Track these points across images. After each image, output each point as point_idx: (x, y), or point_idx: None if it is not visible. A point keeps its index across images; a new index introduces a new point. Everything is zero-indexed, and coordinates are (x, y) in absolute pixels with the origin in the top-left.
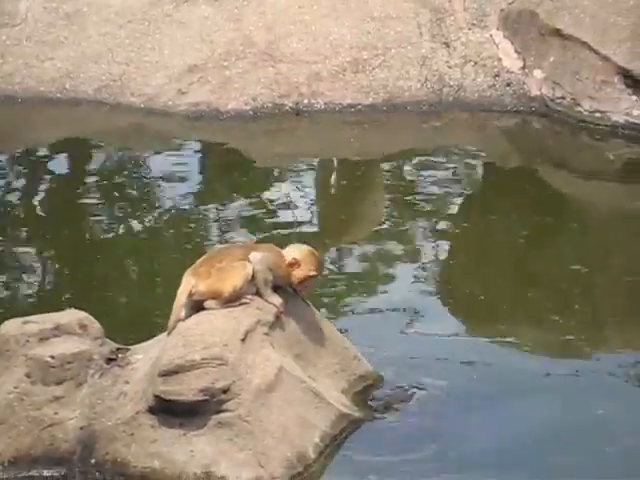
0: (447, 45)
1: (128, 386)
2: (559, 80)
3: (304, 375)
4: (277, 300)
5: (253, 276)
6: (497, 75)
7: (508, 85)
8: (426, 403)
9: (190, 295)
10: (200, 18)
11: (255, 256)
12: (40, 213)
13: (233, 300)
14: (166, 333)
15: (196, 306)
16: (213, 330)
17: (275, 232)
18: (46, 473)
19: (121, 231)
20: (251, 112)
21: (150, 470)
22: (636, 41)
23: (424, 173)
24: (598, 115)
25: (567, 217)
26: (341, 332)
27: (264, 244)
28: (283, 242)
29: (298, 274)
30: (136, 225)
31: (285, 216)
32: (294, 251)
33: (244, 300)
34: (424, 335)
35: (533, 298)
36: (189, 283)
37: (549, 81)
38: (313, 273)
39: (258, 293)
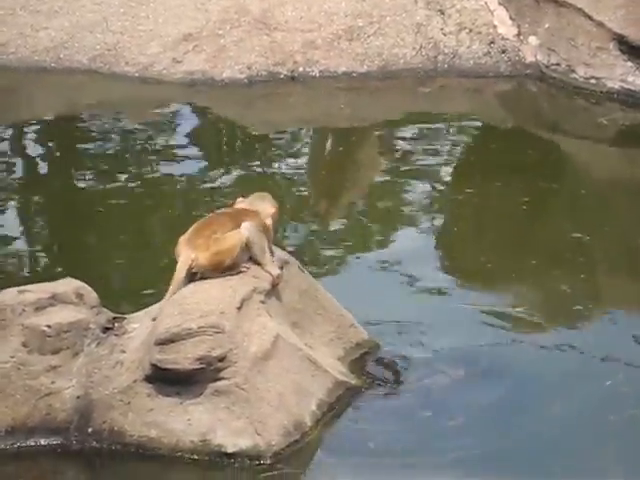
0: (442, 12)
1: (125, 355)
2: (554, 47)
3: (301, 343)
4: (275, 270)
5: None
6: (492, 42)
7: (503, 52)
8: (423, 370)
9: (190, 268)
10: None
11: (246, 227)
12: (35, 182)
13: (231, 269)
14: (162, 302)
15: (193, 276)
16: (209, 298)
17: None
18: (43, 442)
19: (116, 199)
20: (246, 80)
21: (147, 439)
22: (631, 7)
23: (420, 139)
24: (593, 81)
25: (565, 182)
26: (337, 299)
27: (245, 207)
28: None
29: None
30: (130, 193)
31: (279, 181)
32: (264, 202)
33: (241, 268)
34: (422, 302)
35: (534, 264)
36: (188, 257)
37: (544, 48)
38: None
39: (255, 261)
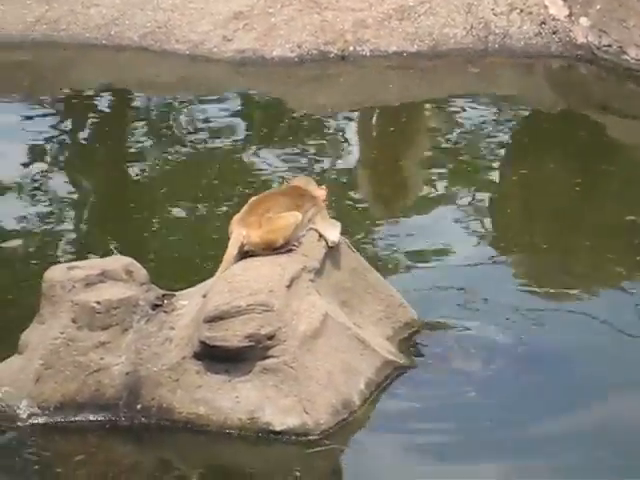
0: None
1: (174, 332)
2: (605, 28)
3: (349, 322)
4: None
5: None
6: (543, 23)
7: (554, 33)
8: (471, 350)
9: (242, 246)
10: None
11: (333, 235)
12: (84, 159)
13: (282, 248)
14: (213, 279)
15: (244, 254)
16: (259, 277)
17: (320, 177)
18: (92, 418)
19: (166, 177)
20: (296, 59)
21: (195, 416)
22: None
23: (470, 119)
24: None
25: (617, 164)
26: (386, 279)
27: (302, 188)
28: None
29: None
30: (180, 171)
31: (330, 161)
32: (309, 183)
33: (291, 247)
34: (472, 283)
35: (590, 247)
36: (240, 234)
37: (595, 29)
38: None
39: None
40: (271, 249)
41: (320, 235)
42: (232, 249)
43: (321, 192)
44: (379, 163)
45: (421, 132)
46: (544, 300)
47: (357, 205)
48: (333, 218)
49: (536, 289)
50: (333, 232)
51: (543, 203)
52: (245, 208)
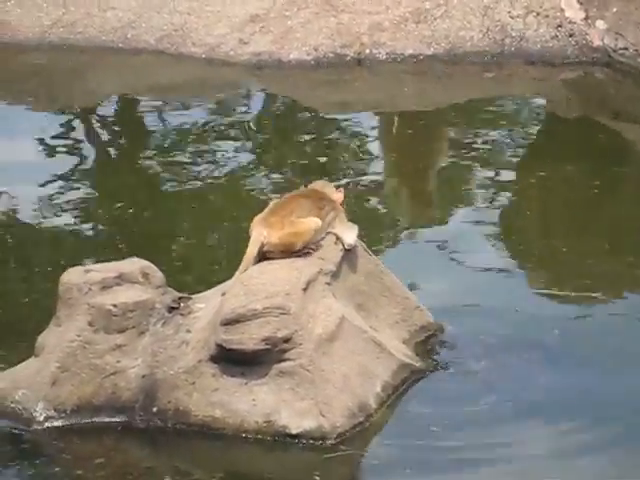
0: None
1: (190, 335)
2: (622, 31)
3: (365, 325)
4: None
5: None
6: (559, 26)
7: (570, 36)
8: (488, 354)
9: (262, 246)
10: None
11: (350, 238)
12: (100, 161)
13: (299, 251)
14: (232, 280)
15: (264, 255)
16: (275, 279)
17: (336, 181)
18: (108, 421)
19: (181, 179)
20: (312, 62)
21: (211, 419)
22: None
23: (487, 123)
24: None
25: (635, 167)
26: (403, 282)
27: (322, 192)
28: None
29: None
30: (198, 174)
31: (346, 165)
32: (328, 187)
33: (308, 250)
34: (489, 286)
35: (609, 250)
36: (261, 234)
37: (612, 32)
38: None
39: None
40: (289, 252)
41: (337, 238)
42: (252, 248)
43: (339, 195)
44: (404, 169)
45: (442, 138)
46: (564, 304)
47: (374, 208)
48: (350, 221)
49: (556, 292)
50: (350, 235)
51: (561, 205)
52: (267, 209)
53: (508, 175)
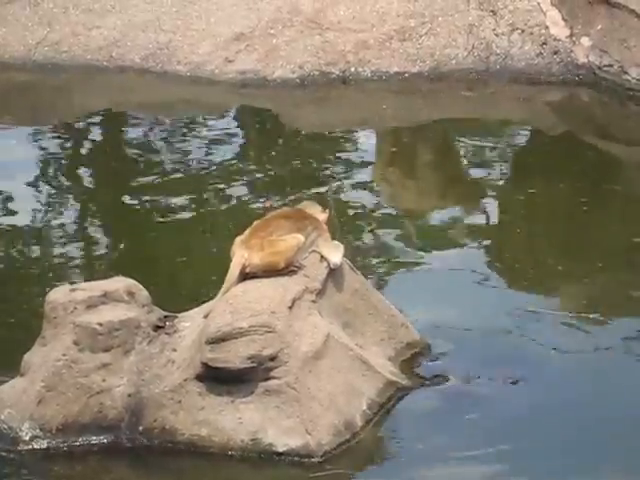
0: (494, 13)
1: (175, 353)
2: (606, 48)
3: (351, 343)
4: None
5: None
6: (544, 43)
7: (555, 53)
8: (473, 372)
9: (243, 268)
10: None
11: (336, 258)
12: (85, 181)
13: (283, 270)
14: (215, 300)
15: (245, 276)
16: (260, 298)
17: (320, 198)
18: (94, 440)
19: (166, 199)
20: (298, 80)
21: (198, 437)
22: None
23: (472, 141)
24: None
25: (620, 185)
26: (388, 300)
27: (305, 211)
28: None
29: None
30: (182, 193)
31: (331, 183)
32: (314, 208)
33: (292, 268)
34: (477, 304)
35: (603, 270)
36: (242, 256)
37: (596, 49)
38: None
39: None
40: (273, 271)
41: (322, 257)
42: (234, 271)
43: (323, 215)
44: (381, 184)
45: (423, 153)
46: (557, 323)
47: (361, 226)
48: (335, 240)
49: (550, 312)
50: (335, 255)
51: (551, 223)
52: (248, 231)
53: (496, 192)
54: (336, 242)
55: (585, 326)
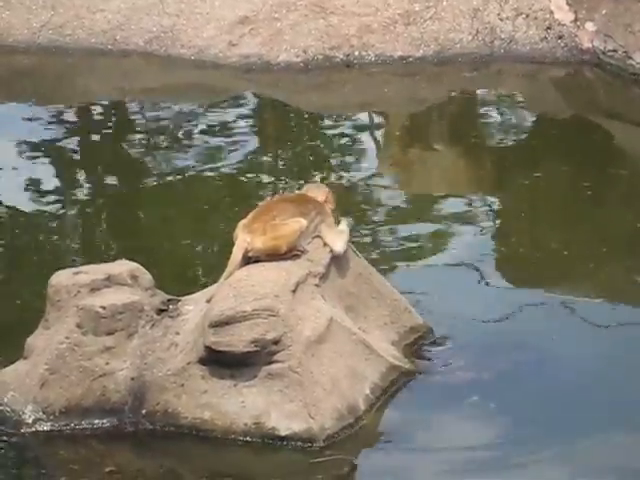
0: None
1: (179, 337)
2: (611, 33)
3: (354, 327)
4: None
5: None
6: (549, 28)
7: (560, 38)
8: (476, 356)
9: (246, 252)
10: None
11: (339, 246)
12: (89, 164)
13: (286, 255)
14: (217, 284)
15: (248, 260)
16: (264, 281)
17: (325, 181)
18: (97, 423)
19: (172, 182)
20: (302, 64)
21: (200, 421)
22: None
23: (476, 124)
24: None
25: (625, 169)
26: (392, 284)
27: (308, 195)
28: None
29: (330, 206)
30: (187, 176)
31: (335, 166)
32: (318, 190)
33: (295, 252)
34: (478, 288)
35: (608, 255)
36: (244, 240)
37: (601, 34)
38: (334, 208)
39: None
40: (275, 256)
41: (325, 243)
42: (236, 255)
43: (328, 199)
44: (384, 167)
45: (428, 136)
46: (561, 309)
47: (365, 207)
48: (343, 222)
49: (554, 296)
50: (339, 242)
51: (556, 207)
52: (251, 214)
53: (502, 176)
54: (341, 228)
55: (590, 311)
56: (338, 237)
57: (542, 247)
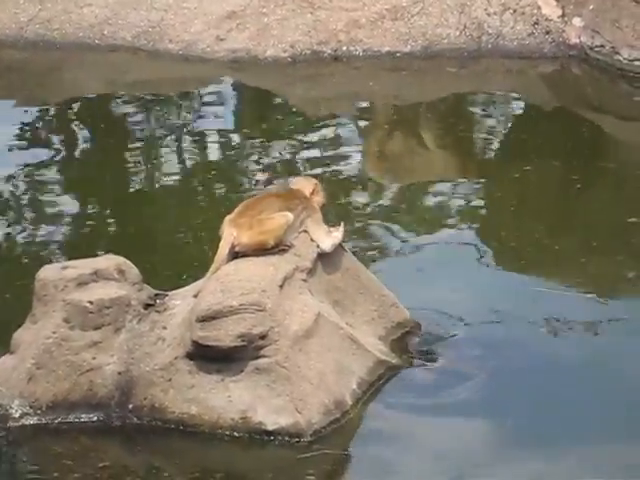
0: None
1: (166, 332)
2: (598, 28)
3: (342, 322)
4: (326, 245)
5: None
6: (536, 23)
7: (547, 33)
8: (464, 350)
9: (232, 247)
10: None
11: (325, 245)
12: (77, 159)
13: (273, 249)
14: (204, 279)
15: (235, 255)
16: (251, 276)
17: (312, 174)
18: (84, 418)
19: (158, 177)
20: (289, 59)
21: (187, 416)
22: None
23: (464, 118)
24: (637, 63)
25: (613, 163)
26: (380, 279)
27: (295, 190)
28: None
29: (319, 201)
30: (173, 170)
31: (322, 159)
32: (306, 182)
33: (282, 247)
34: (468, 283)
35: (598, 249)
36: (230, 234)
37: (588, 29)
38: (324, 202)
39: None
40: (262, 250)
41: (312, 239)
42: (223, 250)
43: (316, 192)
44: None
45: (414, 130)
46: (550, 303)
47: (351, 200)
48: (340, 227)
49: (542, 290)
50: (327, 241)
51: (545, 201)
52: (237, 209)
53: (491, 170)
54: (332, 229)
55: (581, 306)
56: (327, 236)
57: (532, 241)
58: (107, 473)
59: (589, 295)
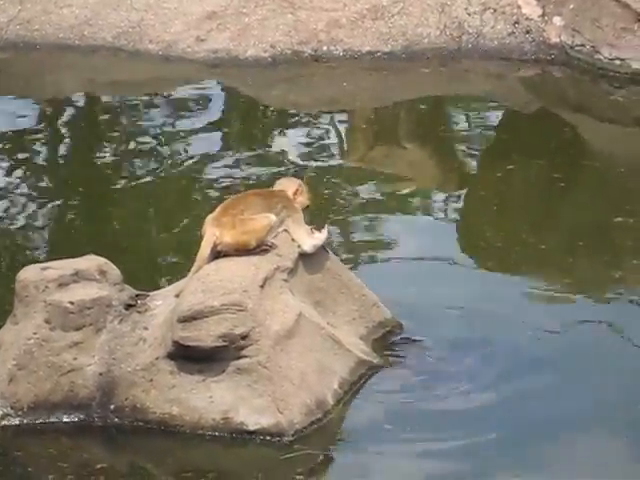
0: None
1: (147, 332)
2: (579, 27)
3: (323, 322)
4: (308, 247)
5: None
6: (516, 22)
7: (527, 32)
8: (445, 349)
9: (214, 246)
10: None
11: (307, 246)
12: (58, 160)
13: (254, 249)
14: (186, 279)
15: (217, 255)
16: (232, 276)
17: (292, 175)
18: (65, 419)
19: (138, 177)
20: (270, 59)
21: (169, 416)
22: None
23: (447, 118)
24: (618, 62)
25: (594, 162)
26: (362, 280)
27: (276, 190)
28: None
29: (302, 202)
30: (153, 171)
31: (301, 160)
32: (290, 183)
33: (264, 247)
34: (452, 283)
35: (585, 249)
36: (213, 234)
37: (569, 28)
38: (309, 203)
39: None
40: (244, 250)
41: (292, 239)
42: (205, 249)
43: (299, 192)
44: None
45: (396, 131)
46: (533, 304)
47: (331, 201)
48: (324, 229)
49: (528, 290)
50: (309, 242)
51: (530, 200)
52: (219, 208)
53: (474, 170)
54: (316, 230)
55: (566, 306)
56: (308, 237)
57: (518, 241)
58: (89, 472)
59: (575, 295)
